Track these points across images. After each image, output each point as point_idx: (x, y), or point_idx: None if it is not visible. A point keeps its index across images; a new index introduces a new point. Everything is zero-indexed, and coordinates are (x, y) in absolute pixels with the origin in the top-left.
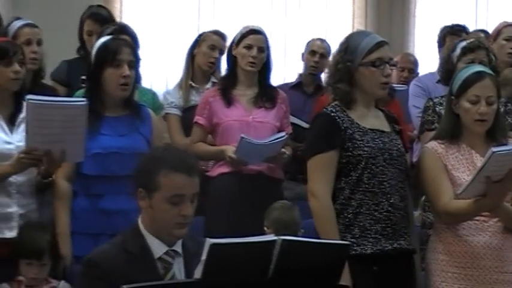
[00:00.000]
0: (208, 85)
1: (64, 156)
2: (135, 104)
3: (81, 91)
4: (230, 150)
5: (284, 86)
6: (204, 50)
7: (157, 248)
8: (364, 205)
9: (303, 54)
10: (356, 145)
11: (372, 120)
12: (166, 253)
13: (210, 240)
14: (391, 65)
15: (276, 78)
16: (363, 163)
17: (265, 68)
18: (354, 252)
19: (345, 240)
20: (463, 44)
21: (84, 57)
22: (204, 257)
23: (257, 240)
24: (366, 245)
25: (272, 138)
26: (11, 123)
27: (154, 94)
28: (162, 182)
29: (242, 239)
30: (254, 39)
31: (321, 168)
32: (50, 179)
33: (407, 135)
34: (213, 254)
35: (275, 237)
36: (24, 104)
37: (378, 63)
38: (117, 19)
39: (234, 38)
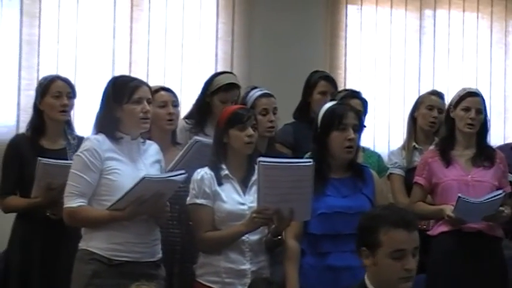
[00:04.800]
0: (432, 146)
1: (292, 215)
2: (358, 166)
3: (309, 153)
4: (449, 209)
5: (505, 147)
6: (423, 112)
7: None
8: None
9: None
10: None
11: None
12: None
13: None
14: None
15: (496, 139)
16: None
17: (483, 128)
18: None
19: None
20: None
21: (306, 120)
22: None
23: None
24: None
25: (489, 196)
26: (244, 185)
27: (379, 156)
28: (383, 239)
29: None
30: (471, 102)
31: None
32: (280, 237)
33: None
34: None
35: None
36: (256, 166)
37: None
38: (341, 85)
39: (452, 100)
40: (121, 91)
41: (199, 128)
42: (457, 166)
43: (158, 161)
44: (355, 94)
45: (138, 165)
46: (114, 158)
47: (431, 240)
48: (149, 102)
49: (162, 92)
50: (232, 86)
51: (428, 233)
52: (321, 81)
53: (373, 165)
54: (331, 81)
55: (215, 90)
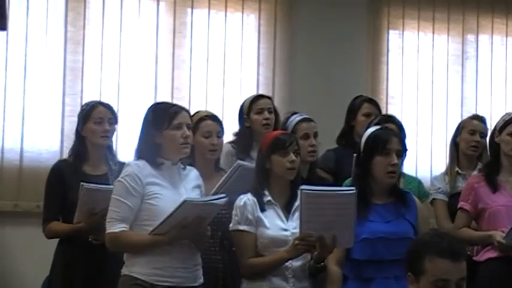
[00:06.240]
0: (475, 171)
1: (335, 242)
2: (400, 191)
3: (349, 179)
4: (498, 235)
5: None
6: (465, 136)
7: None
8: None
9: None
10: None
11: None
12: None
13: None
14: None
15: None
16: None
17: None
18: None
19: None
20: None
21: (350, 145)
22: None
23: None
24: None
25: None
26: (287, 211)
27: (420, 182)
28: (427, 266)
29: None
30: None
31: None
32: (322, 264)
33: None
34: None
35: None
36: (299, 192)
37: None
38: (383, 110)
39: (496, 125)
40: (161, 117)
41: (246, 154)
42: (504, 192)
43: (198, 186)
44: (389, 118)
45: (179, 190)
46: (155, 183)
47: (477, 266)
48: (189, 128)
49: (208, 122)
50: (261, 96)
51: (475, 258)
52: (365, 103)
53: (413, 191)
54: (375, 104)
55: (248, 108)
